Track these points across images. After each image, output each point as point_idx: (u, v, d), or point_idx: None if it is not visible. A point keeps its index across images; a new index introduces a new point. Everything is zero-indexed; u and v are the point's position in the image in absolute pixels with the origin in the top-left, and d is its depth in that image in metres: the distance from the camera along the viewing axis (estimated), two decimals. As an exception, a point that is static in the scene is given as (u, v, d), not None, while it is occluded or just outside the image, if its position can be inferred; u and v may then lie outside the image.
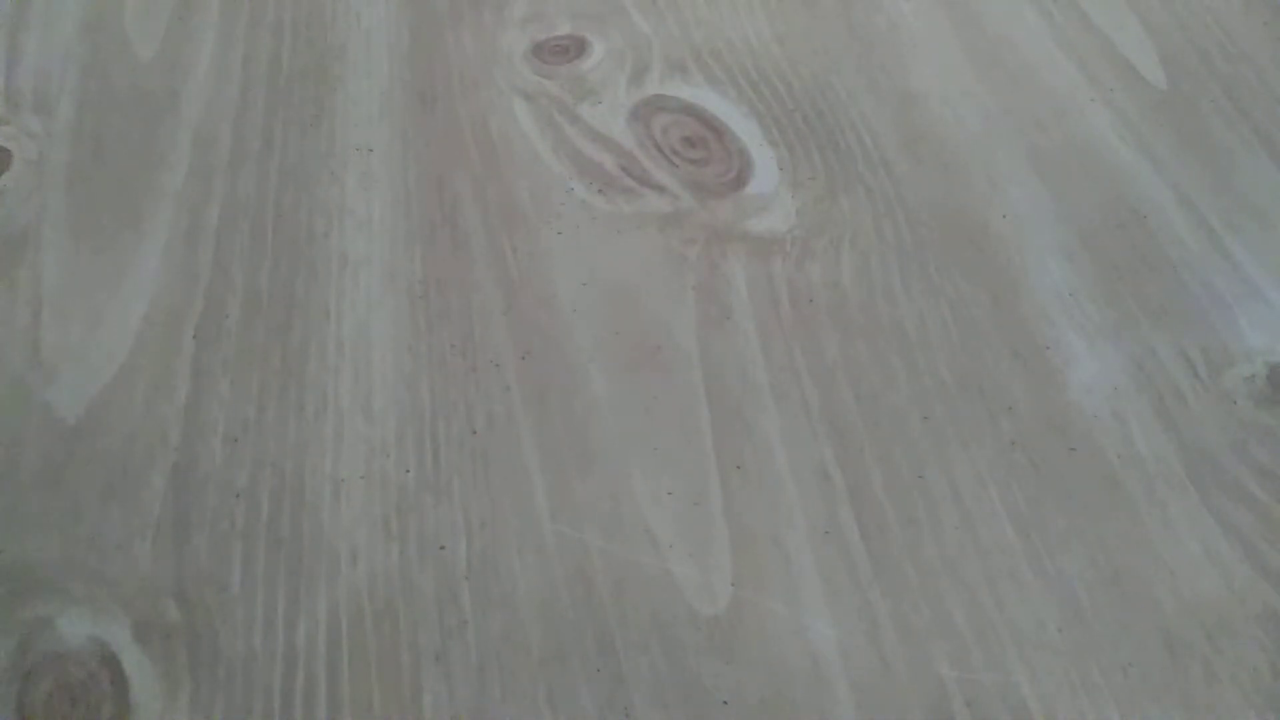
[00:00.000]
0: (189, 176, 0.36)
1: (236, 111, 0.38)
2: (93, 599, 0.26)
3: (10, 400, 0.30)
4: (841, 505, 0.28)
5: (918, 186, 0.35)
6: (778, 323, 0.32)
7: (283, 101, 0.38)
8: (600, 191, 0.35)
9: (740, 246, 0.34)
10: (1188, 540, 0.27)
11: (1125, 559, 0.27)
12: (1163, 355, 0.31)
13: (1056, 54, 0.40)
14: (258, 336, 0.31)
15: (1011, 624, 0.26)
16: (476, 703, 0.24)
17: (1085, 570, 0.27)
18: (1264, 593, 0.26)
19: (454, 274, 0.33)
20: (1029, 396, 0.30)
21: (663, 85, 0.39)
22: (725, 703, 0.25)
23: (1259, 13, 0.41)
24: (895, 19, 0.41)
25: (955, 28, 0.41)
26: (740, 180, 0.36)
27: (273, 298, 0.32)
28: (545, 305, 0.32)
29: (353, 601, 0.26)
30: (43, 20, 0.41)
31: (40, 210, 0.35)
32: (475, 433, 0.29)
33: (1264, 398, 0.30)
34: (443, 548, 0.27)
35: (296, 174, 0.36)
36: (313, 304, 0.32)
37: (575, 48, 0.40)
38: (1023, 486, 0.28)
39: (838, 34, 0.41)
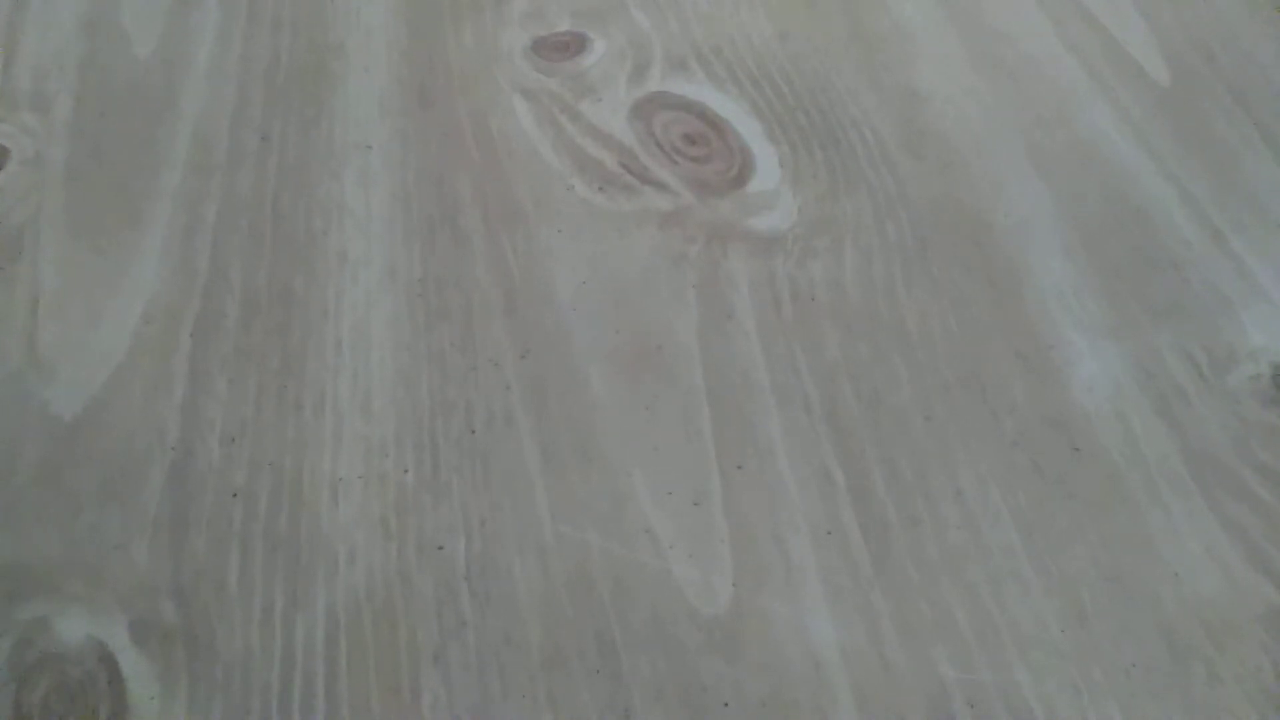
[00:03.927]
0: (187, 174, 0.36)
1: (235, 109, 0.38)
2: (90, 598, 0.26)
3: (8, 399, 0.30)
4: (843, 505, 0.28)
5: (920, 185, 0.35)
6: (779, 322, 0.32)
7: (281, 99, 0.38)
8: (601, 189, 0.35)
9: (741, 245, 0.34)
10: (1190, 540, 0.27)
11: (1127, 559, 0.27)
12: (1166, 354, 0.31)
13: (1059, 51, 0.40)
14: (256, 335, 0.31)
15: (1013, 624, 0.26)
16: (476, 703, 0.24)
17: (1087, 570, 0.27)
18: (1267, 593, 0.26)
19: (454, 273, 0.33)
20: (1031, 396, 0.30)
21: (663, 82, 0.39)
22: (726, 704, 0.24)
23: (1263, 10, 0.41)
24: (897, 16, 0.41)
25: (957, 25, 0.41)
26: (741, 178, 0.36)
27: (271, 296, 0.32)
28: (545, 304, 0.32)
29: (351, 601, 0.26)
30: (41, 18, 0.41)
31: (38, 208, 0.35)
32: (474, 432, 0.29)
33: (1268, 397, 0.30)
34: (441, 548, 0.27)
35: (295, 172, 0.36)
36: (311, 303, 0.32)
37: (575, 45, 0.40)
38: (1025, 486, 0.28)
39: (839, 31, 0.41)
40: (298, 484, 0.28)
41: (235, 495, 0.28)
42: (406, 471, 0.28)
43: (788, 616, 0.26)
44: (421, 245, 0.34)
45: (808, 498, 0.28)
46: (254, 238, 0.34)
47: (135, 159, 0.36)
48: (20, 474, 0.28)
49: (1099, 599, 0.26)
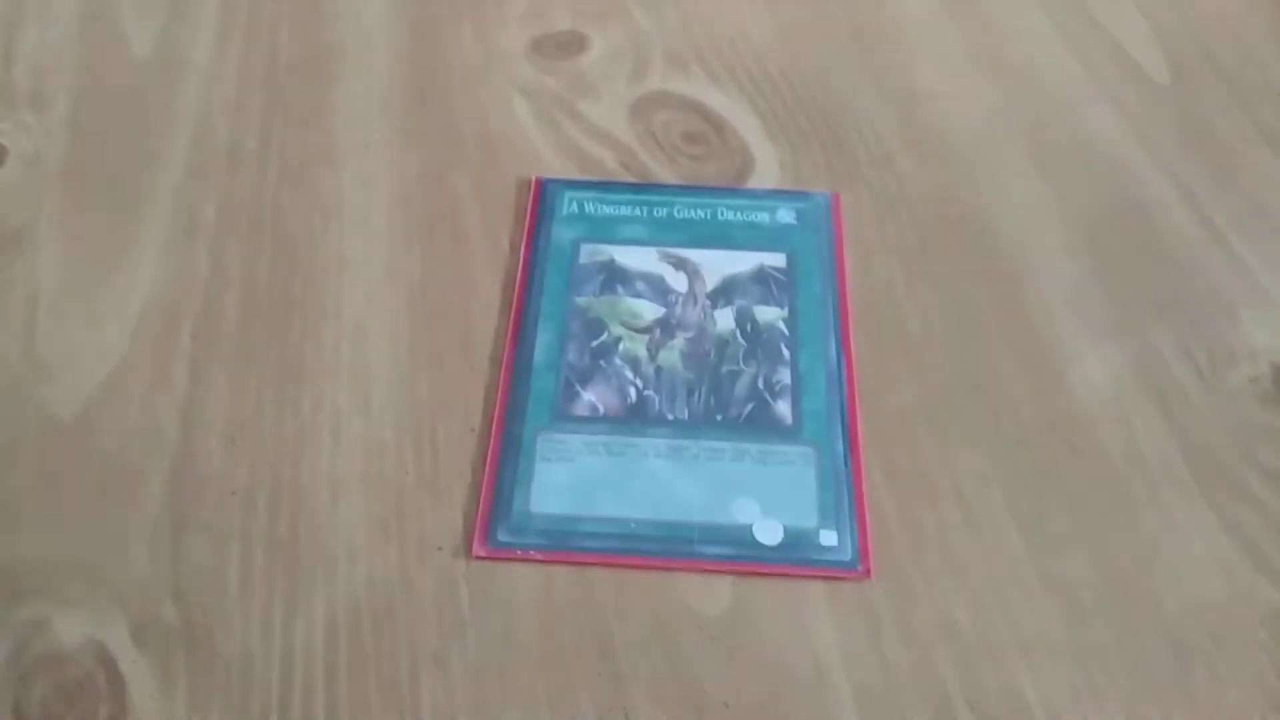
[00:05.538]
0: (186, 174, 0.36)
1: (234, 109, 0.38)
2: (90, 599, 0.26)
3: (6, 399, 0.30)
4: (843, 505, 0.28)
5: (920, 184, 0.35)
6: (779, 321, 0.32)
7: (280, 99, 0.38)
8: (600, 189, 0.35)
9: (741, 244, 0.34)
10: (1191, 541, 0.27)
11: (1128, 560, 0.27)
12: (1167, 354, 0.31)
13: (1060, 50, 0.40)
14: (255, 335, 0.31)
15: (1015, 625, 0.26)
16: (475, 704, 0.24)
17: (1088, 572, 0.27)
18: (1268, 594, 0.26)
19: (453, 272, 0.33)
20: (1032, 396, 0.30)
21: (664, 81, 0.39)
22: (726, 704, 0.24)
23: (1263, 10, 0.41)
24: (898, 16, 0.41)
25: (958, 24, 0.41)
26: (741, 177, 0.36)
27: (270, 296, 0.32)
28: (545, 303, 0.32)
29: (351, 602, 0.26)
30: (40, 17, 0.41)
31: (36, 207, 0.34)
32: (473, 431, 0.29)
33: (1269, 398, 0.30)
34: (441, 548, 0.27)
35: (294, 171, 0.36)
36: (310, 302, 0.32)
37: (575, 44, 0.40)
38: (1026, 487, 0.28)
39: (840, 31, 0.41)
40: (297, 484, 0.28)
41: (234, 495, 0.28)
42: (406, 472, 0.28)
43: (788, 617, 0.26)
44: (421, 245, 0.34)
45: (808, 498, 0.28)
46: (253, 237, 0.34)
47: (134, 158, 0.36)
48: (19, 474, 0.28)
49: (1100, 600, 0.26)
